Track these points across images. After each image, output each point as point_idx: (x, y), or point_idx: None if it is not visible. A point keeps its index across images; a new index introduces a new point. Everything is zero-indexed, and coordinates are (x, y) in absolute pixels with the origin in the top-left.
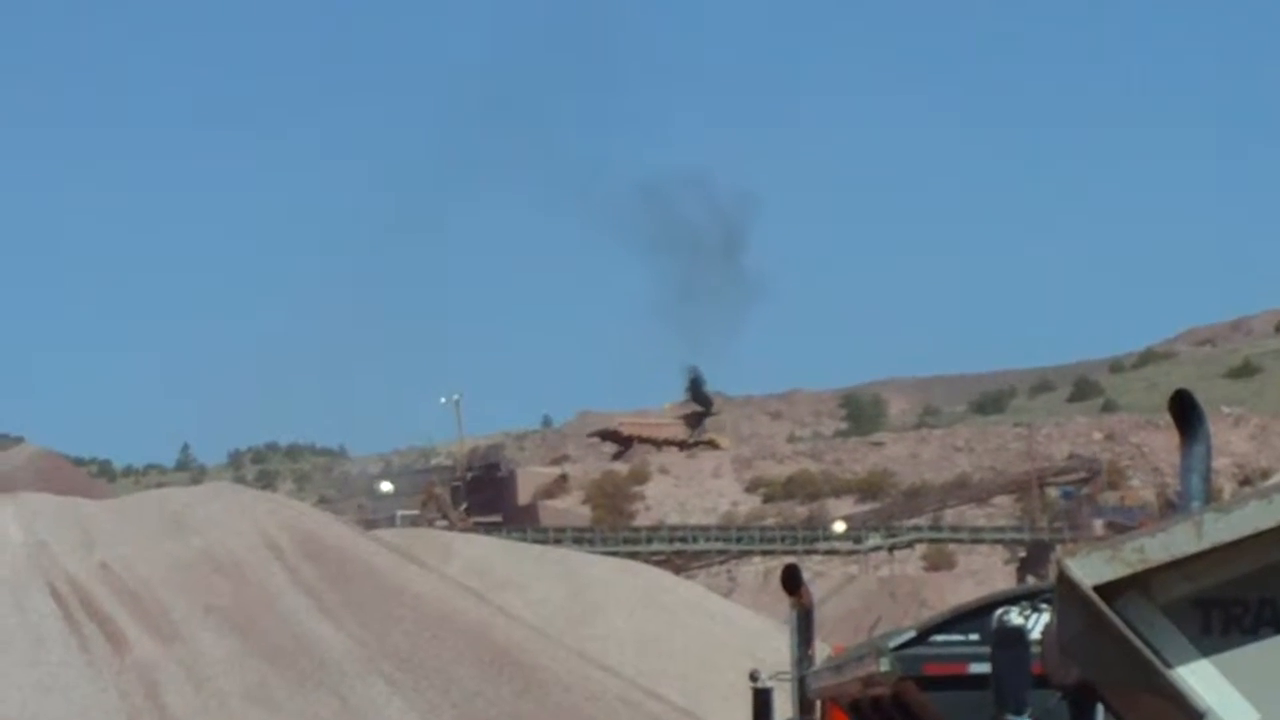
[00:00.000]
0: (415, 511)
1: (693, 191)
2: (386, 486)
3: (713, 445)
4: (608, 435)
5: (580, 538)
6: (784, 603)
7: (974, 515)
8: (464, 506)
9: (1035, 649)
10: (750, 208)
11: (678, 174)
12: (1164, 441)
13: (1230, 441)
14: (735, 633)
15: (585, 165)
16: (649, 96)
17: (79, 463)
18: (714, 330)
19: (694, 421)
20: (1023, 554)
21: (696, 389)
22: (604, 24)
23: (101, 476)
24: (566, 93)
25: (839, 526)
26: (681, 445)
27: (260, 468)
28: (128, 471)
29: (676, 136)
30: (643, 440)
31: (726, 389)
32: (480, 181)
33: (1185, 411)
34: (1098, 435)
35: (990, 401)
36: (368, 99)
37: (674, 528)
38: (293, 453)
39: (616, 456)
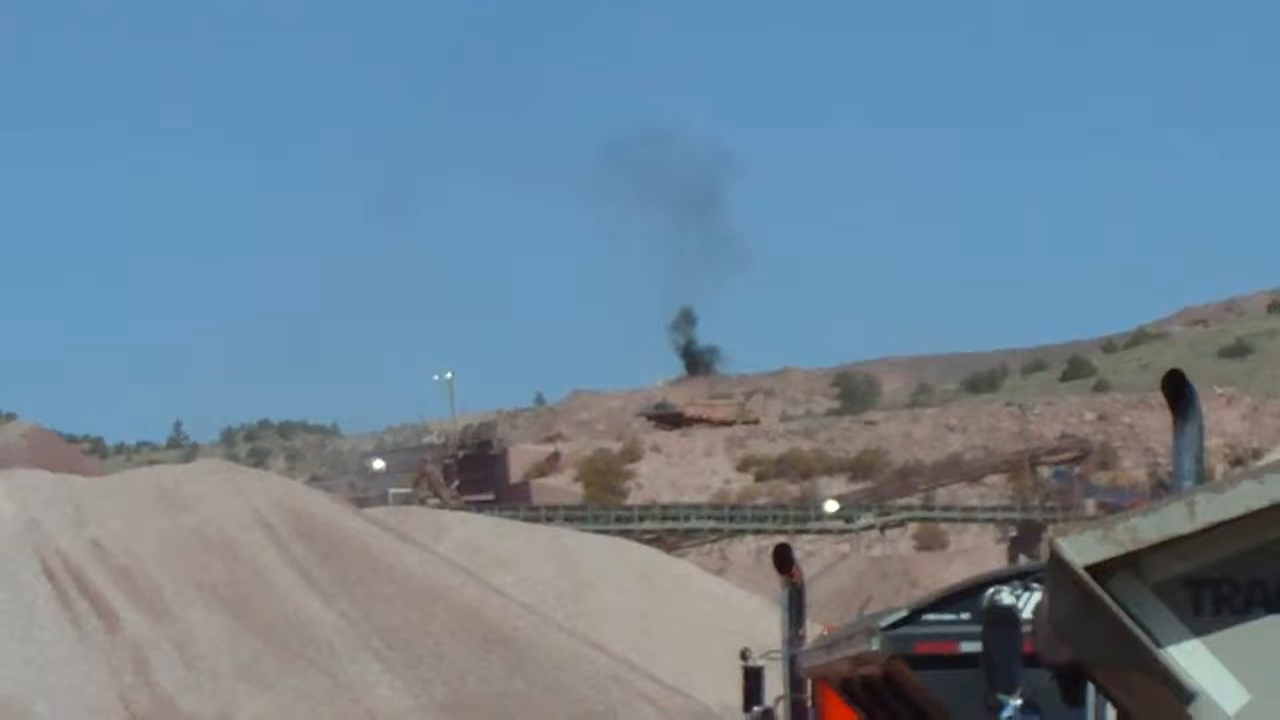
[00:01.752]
0: (407, 489)
1: (675, 158)
2: (379, 464)
3: (756, 422)
4: (667, 418)
5: (572, 516)
6: (775, 581)
7: (966, 495)
8: (456, 484)
9: (1026, 628)
10: (736, 175)
11: (660, 142)
12: (1156, 421)
13: (1223, 421)
14: (727, 611)
15: (562, 135)
16: (622, 58)
17: (71, 440)
18: (706, 307)
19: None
20: (1014, 533)
21: (691, 359)
22: None
23: (94, 454)
24: (534, 63)
25: (831, 505)
26: (731, 424)
27: (252, 445)
28: (120, 449)
29: (664, 110)
30: (701, 421)
31: (718, 366)
32: (465, 156)
33: (1178, 391)
34: (1090, 415)
35: (983, 381)
36: (340, 74)
37: (666, 506)
38: (285, 430)
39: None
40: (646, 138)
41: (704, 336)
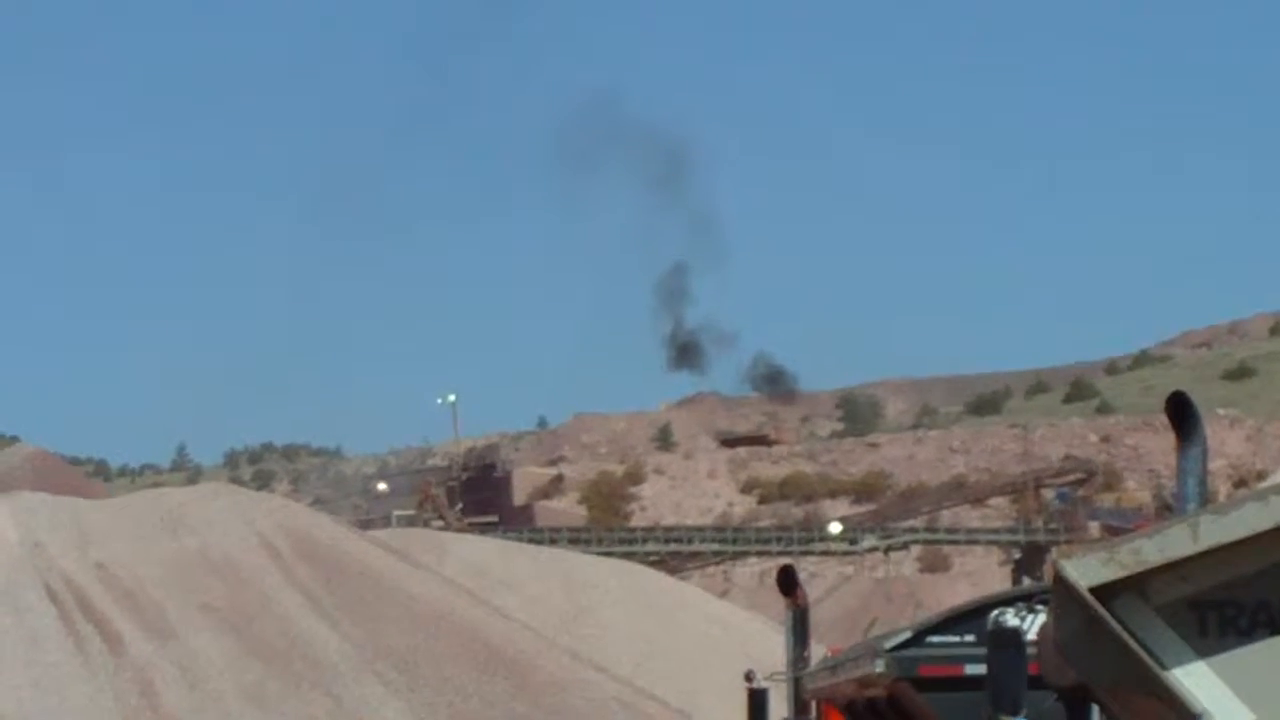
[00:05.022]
0: (411, 512)
1: (635, 132)
2: (382, 487)
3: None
4: (745, 440)
5: (576, 538)
6: (779, 604)
7: (969, 516)
8: (460, 507)
9: (1031, 650)
10: (714, 174)
11: (613, 111)
12: (1160, 443)
13: (1226, 443)
14: (730, 634)
15: (516, 129)
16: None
17: (75, 462)
18: (706, 316)
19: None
20: (1018, 556)
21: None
22: None
23: (97, 476)
24: (471, 56)
25: (835, 527)
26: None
27: (256, 468)
28: (124, 471)
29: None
30: (776, 442)
31: (721, 388)
32: (439, 167)
33: (1181, 413)
34: (1093, 437)
35: (986, 403)
36: (294, 95)
37: (669, 528)
38: (289, 453)
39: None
40: (598, 109)
41: (707, 380)
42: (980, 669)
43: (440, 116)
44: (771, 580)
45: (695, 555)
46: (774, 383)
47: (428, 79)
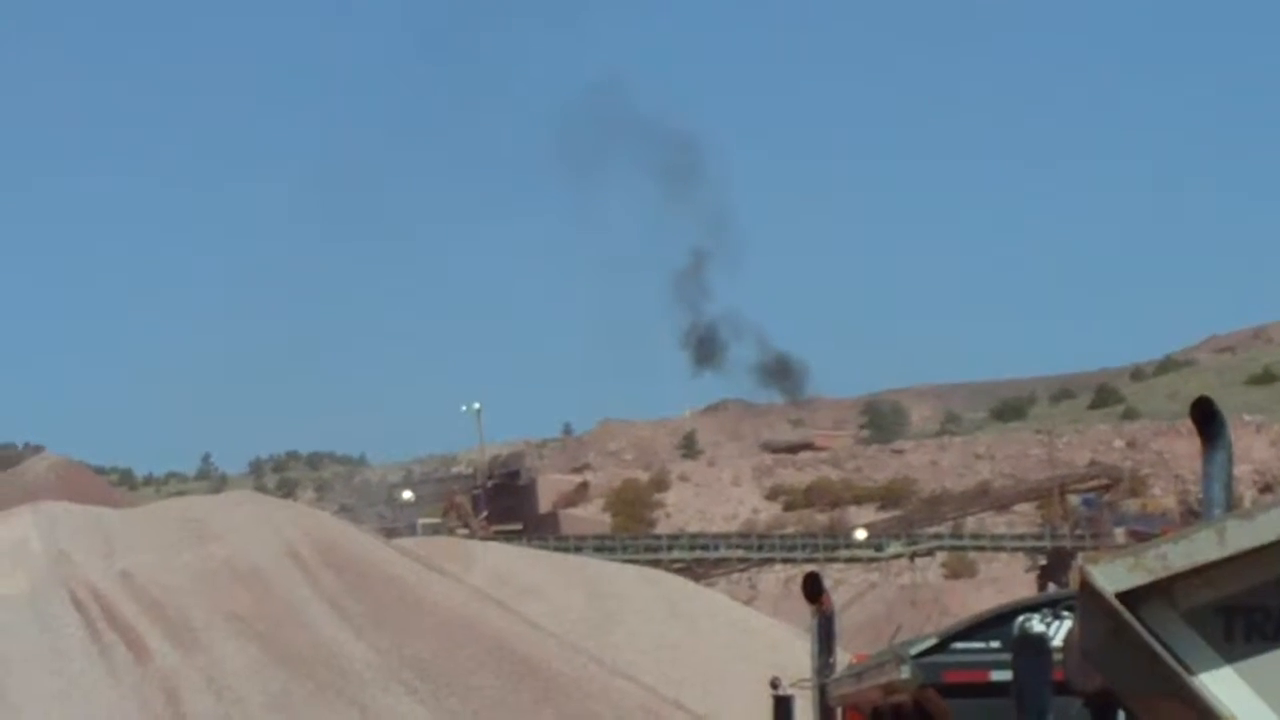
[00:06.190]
0: (436, 520)
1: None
2: (407, 495)
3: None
4: (795, 447)
5: (601, 546)
6: (805, 610)
7: (995, 523)
8: (485, 515)
9: (1057, 656)
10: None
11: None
12: (1185, 448)
13: (1251, 448)
14: (756, 640)
15: (522, 123)
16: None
17: (100, 471)
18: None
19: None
20: (1043, 561)
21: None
22: None
23: (122, 485)
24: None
25: (860, 534)
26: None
27: (281, 476)
28: (149, 480)
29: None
30: (823, 448)
31: (746, 395)
32: (448, 173)
33: (1206, 418)
34: (1119, 442)
35: (1011, 409)
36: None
37: (695, 535)
38: (313, 461)
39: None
40: (610, 106)
41: (730, 386)
42: (1006, 675)
43: (455, 120)
44: (797, 587)
45: (720, 562)
46: (783, 373)
47: (439, 85)
